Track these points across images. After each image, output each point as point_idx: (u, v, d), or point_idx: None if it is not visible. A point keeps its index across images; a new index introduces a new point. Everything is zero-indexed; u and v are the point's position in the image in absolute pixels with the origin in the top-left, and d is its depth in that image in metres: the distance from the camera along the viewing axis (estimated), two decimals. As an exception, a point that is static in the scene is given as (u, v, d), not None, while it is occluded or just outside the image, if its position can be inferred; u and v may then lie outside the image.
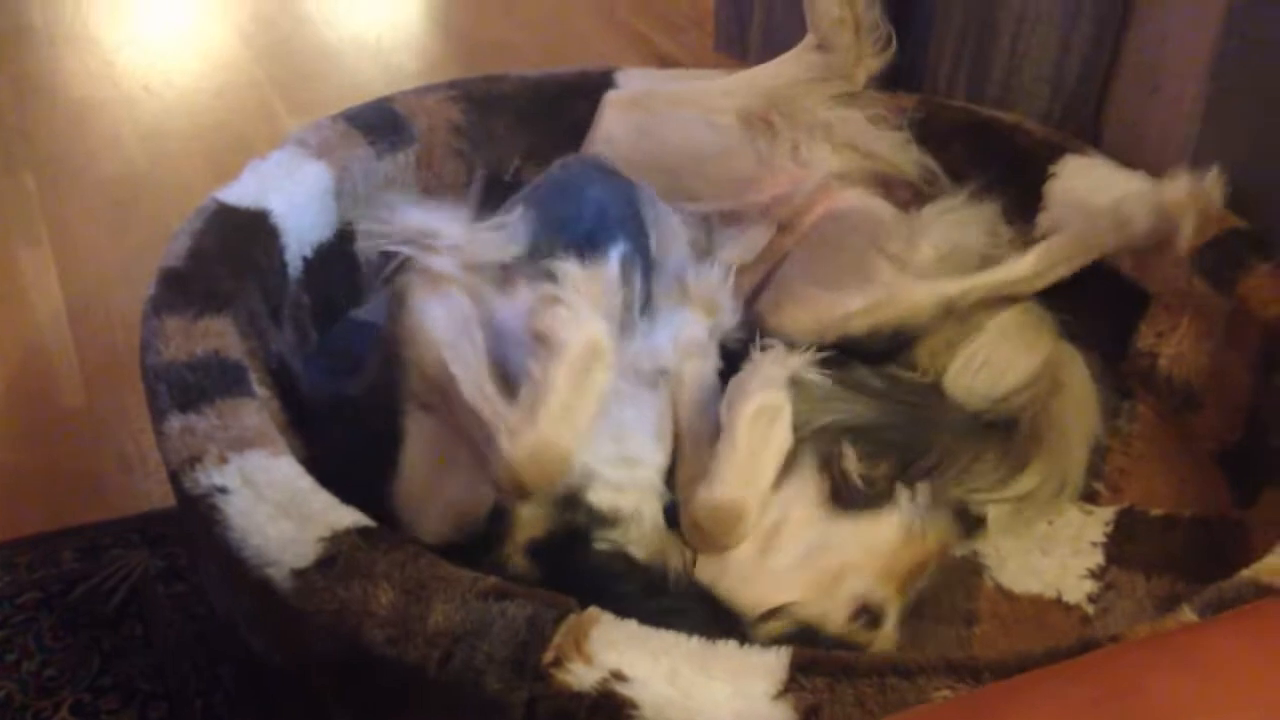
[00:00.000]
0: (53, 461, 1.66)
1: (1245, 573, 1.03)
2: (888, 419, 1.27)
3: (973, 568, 1.27)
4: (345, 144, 1.58)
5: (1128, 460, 1.40)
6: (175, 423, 1.14)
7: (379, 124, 1.63)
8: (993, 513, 1.25)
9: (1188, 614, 0.98)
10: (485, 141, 1.70)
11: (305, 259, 1.48)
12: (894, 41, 1.58)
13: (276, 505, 1.03)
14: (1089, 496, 1.35)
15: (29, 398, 1.77)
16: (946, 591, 1.23)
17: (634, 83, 1.69)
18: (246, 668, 1.31)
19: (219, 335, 1.24)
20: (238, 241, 1.40)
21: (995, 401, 1.32)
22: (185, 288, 1.31)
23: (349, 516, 1.04)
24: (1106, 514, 1.34)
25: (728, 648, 0.92)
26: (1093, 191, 1.47)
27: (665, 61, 2.49)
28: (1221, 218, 1.40)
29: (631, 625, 0.93)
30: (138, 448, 1.69)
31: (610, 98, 1.62)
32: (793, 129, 1.53)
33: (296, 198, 1.48)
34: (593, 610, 0.94)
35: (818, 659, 0.91)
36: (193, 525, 1.12)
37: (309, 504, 1.04)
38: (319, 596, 0.97)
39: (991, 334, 1.35)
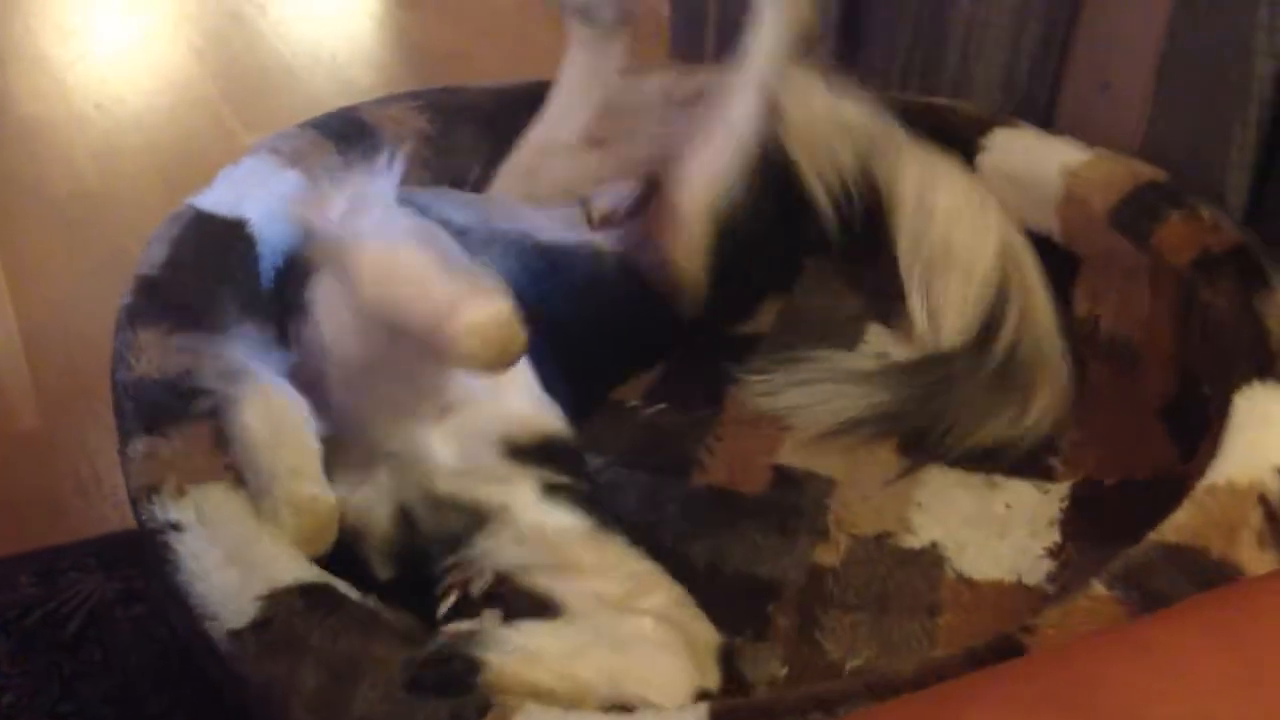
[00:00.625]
0: (7, 485, 1.64)
1: (1151, 535, 1.03)
2: (900, 398, 1.39)
3: (932, 559, 1.27)
4: (316, 152, 1.57)
5: (1081, 432, 1.39)
6: (139, 445, 1.13)
7: (348, 133, 1.62)
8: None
9: (1098, 588, 0.97)
10: (450, 150, 1.69)
11: (276, 268, 1.46)
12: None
13: (226, 551, 1.02)
14: (1045, 473, 1.35)
15: (-17, 422, 1.75)
16: (908, 584, 1.23)
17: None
18: (207, 690, 1.30)
19: (193, 354, 1.22)
20: (215, 250, 1.38)
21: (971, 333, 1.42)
22: (160, 298, 1.29)
23: (292, 571, 1.02)
24: (1062, 490, 1.34)
25: (647, 716, 0.92)
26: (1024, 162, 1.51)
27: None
28: (1137, 173, 1.43)
29: (554, 713, 0.91)
30: (94, 470, 1.67)
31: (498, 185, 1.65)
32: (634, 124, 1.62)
33: (271, 205, 1.47)
34: (513, 703, 0.91)
35: (736, 708, 0.91)
36: (149, 556, 1.11)
37: (256, 552, 1.02)
38: (250, 664, 0.96)
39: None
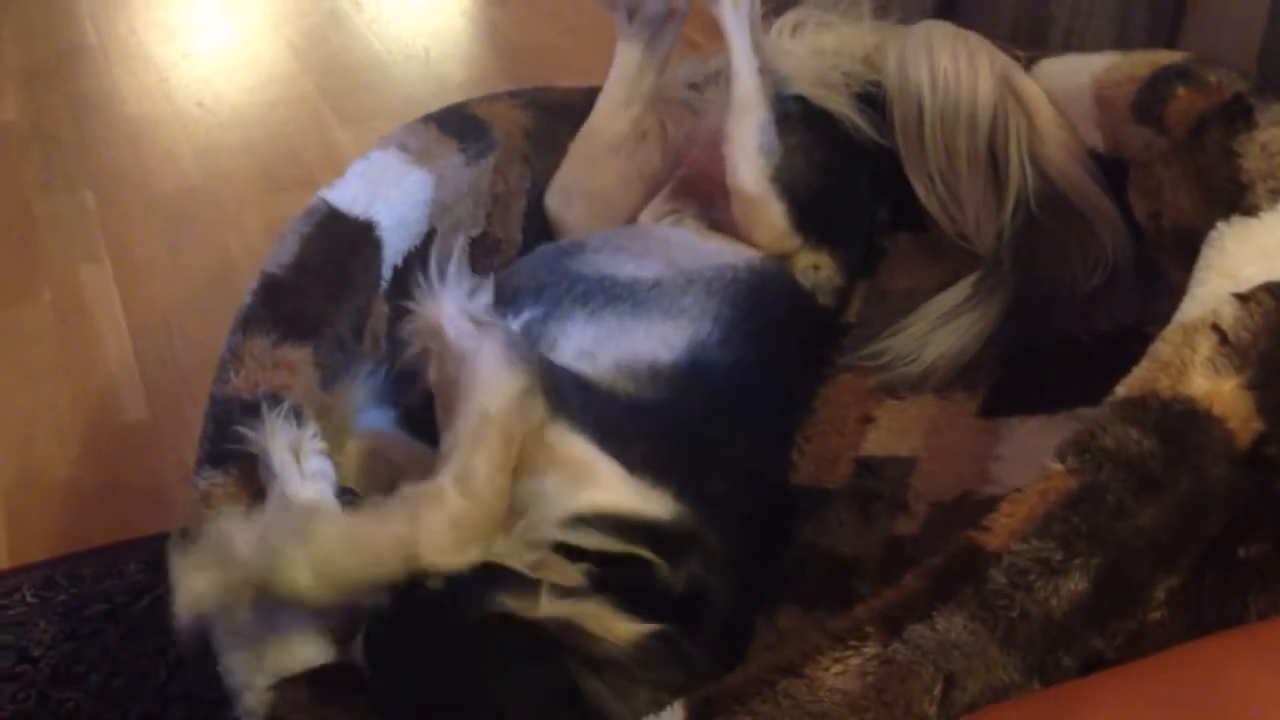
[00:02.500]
0: (117, 475, 1.70)
1: (1108, 398, 0.98)
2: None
3: None
4: (441, 150, 1.59)
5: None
6: (203, 480, 1.14)
7: (466, 130, 1.64)
8: None
9: (1051, 465, 0.93)
10: (548, 147, 1.71)
11: (395, 268, 1.49)
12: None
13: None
14: None
15: (93, 414, 1.81)
16: None
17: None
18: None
19: (291, 371, 1.23)
20: (342, 256, 1.40)
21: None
22: (278, 303, 1.30)
23: (302, 653, 1.02)
24: None
25: None
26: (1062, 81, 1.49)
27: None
28: (1156, 60, 1.38)
29: None
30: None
31: (548, 202, 1.68)
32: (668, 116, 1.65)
33: (401, 207, 1.49)
34: None
35: (709, 698, 0.88)
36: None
37: (274, 628, 1.02)
38: None
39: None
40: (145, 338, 1.94)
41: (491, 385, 1.06)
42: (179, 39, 2.94)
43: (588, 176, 1.67)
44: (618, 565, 1.04)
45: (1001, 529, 0.91)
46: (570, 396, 1.11)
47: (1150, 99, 1.35)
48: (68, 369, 1.89)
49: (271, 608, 1.00)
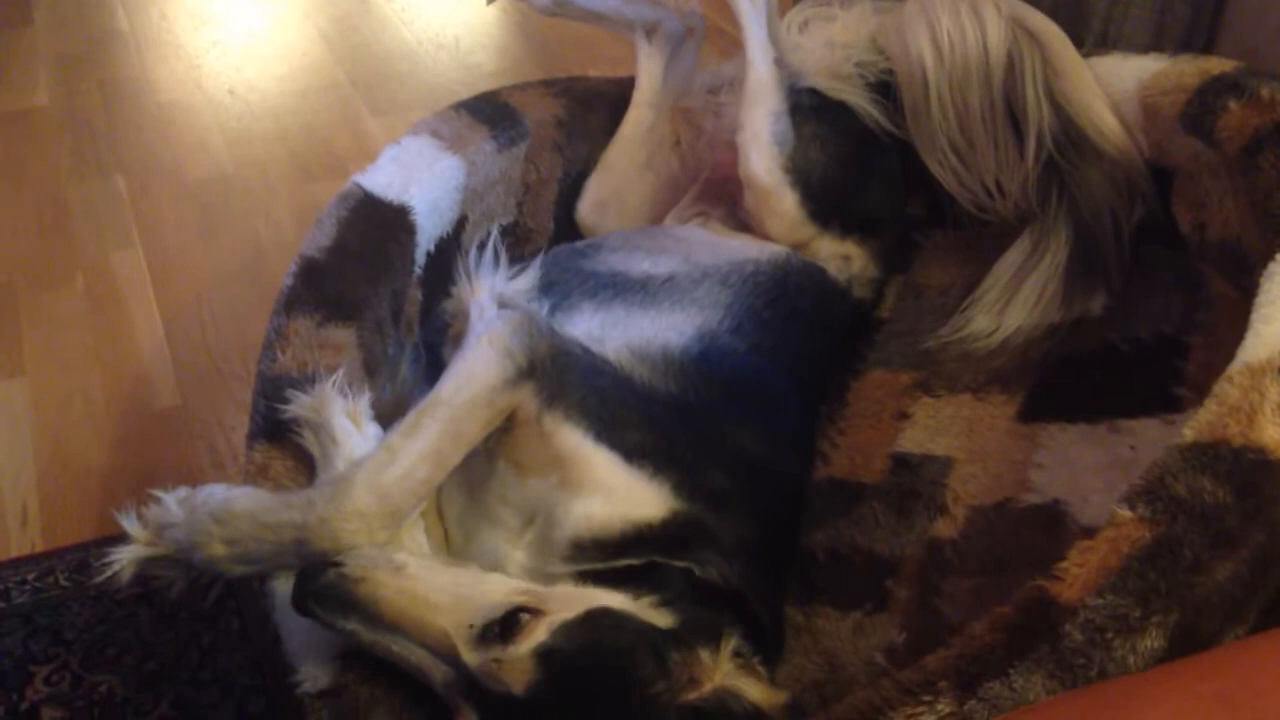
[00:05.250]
0: (149, 461, 1.71)
1: (1172, 441, 0.95)
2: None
3: (1053, 515, 1.23)
4: (473, 137, 1.59)
5: (1210, 353, 1.32)
6: (258, 453, 1.16)
7: (498, 117, 1.65)
8: None
9: (1120, 514, 0.91)
10: (580, 136, 1.71)
11: (429, 254, 1.50)
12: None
13: None
14: (1170, 404, 1.28)
15: (126, 400, 1.82)
16: (1030, 543, 1.20)
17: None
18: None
19: (336, 351, 1.24)
20: (379, 239, 1.41)
21: None
22: (320, 285, 1.31)
23: None
24: (1189, 419, 1.26)
25: None
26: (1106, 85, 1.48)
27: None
28: (1205, 69, 1.36)
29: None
30: (229, 445, 1.72)
31: (581, 214, 1.70)
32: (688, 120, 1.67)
33: (434, 193, 1.50)
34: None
35: None
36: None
37: None
38: None
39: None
40: (177, 324, 1.95)
41: (469, 372, 1.09)
42: (210, 26, 2.95)
43: (621, 187, 1.68)
44: (651, 573, 1.06)
45: (1074, 580, 0.88)
46: (574, 385, 1.11)
47: (1200, 111, 1.33)
48: (100, 355, 1.90)
49: None
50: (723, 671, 0.97)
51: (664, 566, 1.06)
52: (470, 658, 0.95)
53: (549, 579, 1.07)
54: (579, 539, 1.07)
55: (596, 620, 0.97)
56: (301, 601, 0.98)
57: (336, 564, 0.99)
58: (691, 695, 0.95)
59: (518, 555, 1.11)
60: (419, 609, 0.97)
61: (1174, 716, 0.55)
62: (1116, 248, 1.43)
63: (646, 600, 1.02)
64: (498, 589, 1.00)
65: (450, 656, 0.96)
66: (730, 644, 0.99)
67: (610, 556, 1.07)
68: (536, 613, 0.96)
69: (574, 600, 1.00)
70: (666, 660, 0.96)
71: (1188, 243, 1.40)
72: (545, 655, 0.93)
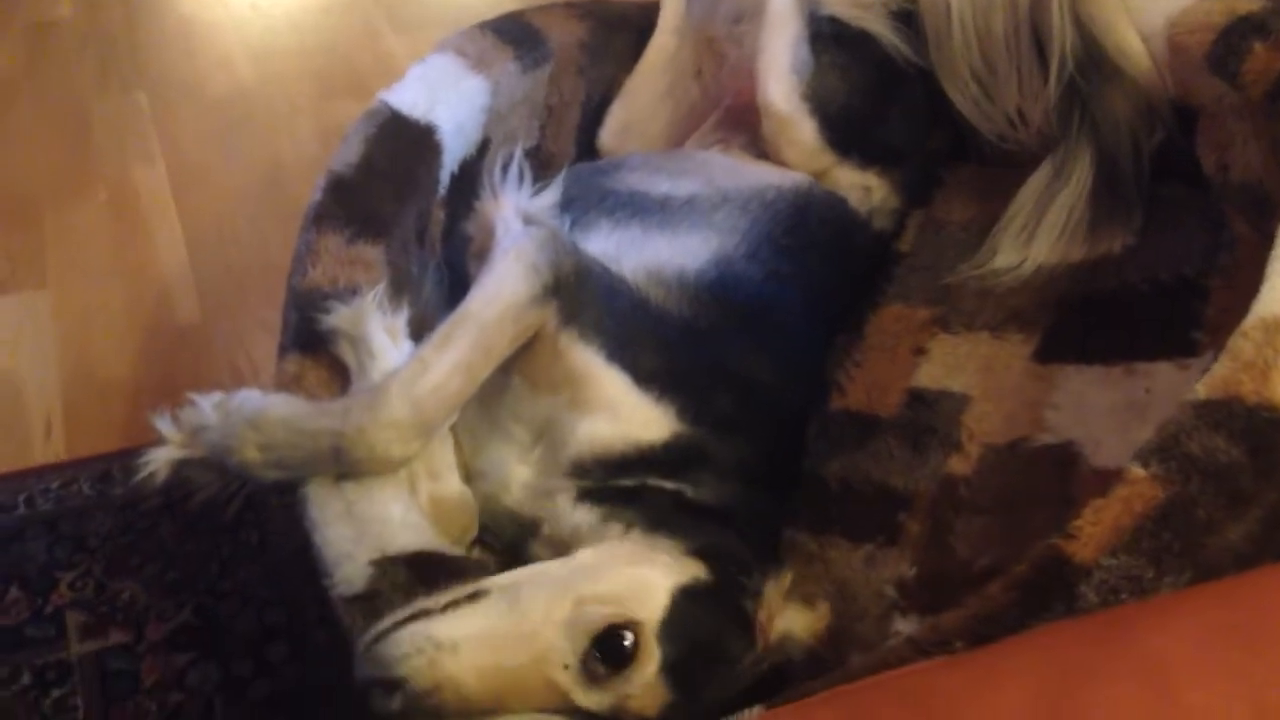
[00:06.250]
0: (170, 374, 1.72)
1: (1185, 397, 0.94)
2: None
3: (1066, 456, 1.23)
4: (498, 57, 1.58)
5: (1230, 296, 1.30)
6: (290, 364, 1.17)
7: (522, 38, 1.63)
8: None
9: (1134, 471, 0.90)
10: (604, 59, 1.70)
11: (453, 175, 1.49)
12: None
13: (346, 503, 1.06)
14: (1186, 348, 1.28)
15: (148, 314, 1.83)
16: (1041, 484, 1.21)
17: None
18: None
19: (366, 268, 1.24)
20: (406, 158, 1.40)
21: None
22: (349, 201, 1.31)
23: (404, 536, 1.05)
24: (1205, 363, 1.17)
25: None
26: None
27: None
28: (1233, 8, 1.34)
29: None
30: (250, 360, 1.74)
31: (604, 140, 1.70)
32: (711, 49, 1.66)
33: (460, 113, 1.49)
34: None
35: (786, 701, 0.87)
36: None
37: (371, 508, 1.06)
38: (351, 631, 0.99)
39: None
40: (198, 240, 1.96)
41: (497, 287, 1.09)
42: (233, -60, 2.92)
43: (643, 114, 1.67)
44: (641, 495, 1.07)
45: (1088, 539, 0.88)
46: (591, 305, 1.12)
47: (1225, 51, 1.31)
48: (122, 269, 1.91)
49: (375, 492, 1.06)
50: (778, 612, 0.98)
51: (655, 488, 1.08)
52: (590, 700, 0.90)
53: (549, 494, 1.09)
54: (581, 458, 1.09)
55: (684, 610, 0.95)
56: None
57: (391, 684, 0.88)
58: (765, 655, 0.97)
59: (523, 471, 1.13)
60: (509, 675, 0.90)
61: (1181, 644, 0.56)
62: (1136, 172, 1.42)
63: (679, 547, 1.02)
64: (553, 604, 0.93)
65: (564, 705, 0.90)
66: (785, 582, 1.00)
67: (610, 476, 1.09)
68: (626, 624, 0.92)
69: (627, 584, 0.96)
70: (750, 624, 0.97)
71: (1211, 184, 1.39)
72: (671, 671, 0.91)
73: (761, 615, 0.98)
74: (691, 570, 0.99)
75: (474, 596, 0.95)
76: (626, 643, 0.90)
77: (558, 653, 0.91)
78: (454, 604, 0.93)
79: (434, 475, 1.12)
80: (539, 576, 0.98)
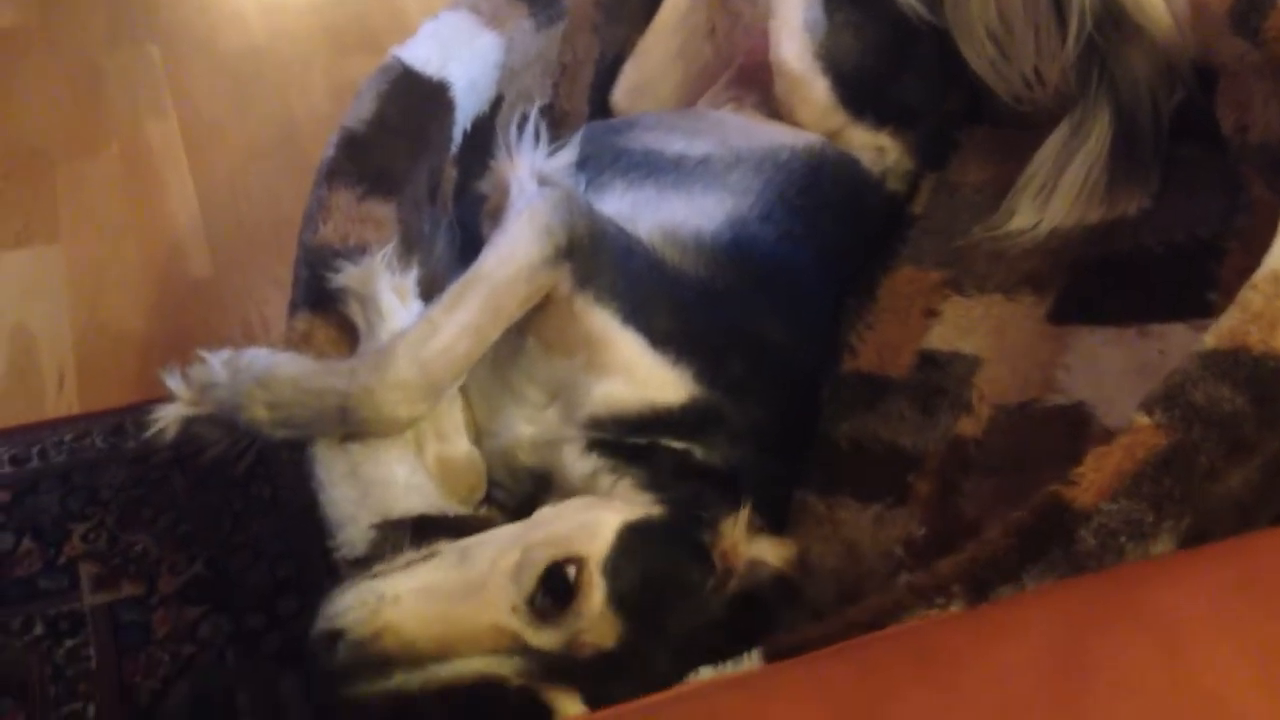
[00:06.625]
0: (182, 329, 1.73)
1: (1193, 348, 0.95)
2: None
3: (1077, 417, 1.23)
4: (512, 14, 1.57)
5: (1246, 258, 1.24)
6: (300, 322, 1.17)
7: None
8: None
9: (1138, 419, 0.90)
10: (618, 17, 1.69)
11: (465, 132, 1.49)
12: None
13: (351, 464, 1.06)
14: (1201, 309, 1.26)
15: (160, 268, 1.83)
16: (1051, 443, 1.20)
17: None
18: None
19: (377, 225, 1.24)
20: (419, 115, 1.40)
21: None
22: (362, 157, 1.31)
23: (407, 499, 1.06)
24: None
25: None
26: None
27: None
28: None
29: None
30: (261, 316, 1.75)
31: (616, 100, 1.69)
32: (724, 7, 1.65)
33: (473, 70, 1.48)
34: None
35: (787, 647, 0.87)
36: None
37: (376, 470, 1.06)
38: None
39: None
40: (210, 195, 1.96)
41: (510, 248, 1.09)
42: (245, -107, 2.89)
43: (656, 73, 1.66)
44: (650, 454, 1.08)
45: (1089, 485, 0.88)
46: (606, 266, 1.12)
47: (1247, 9, 1.30)
48: (135, 222, 1.91)
49: (381, 453, 1.06)
50: (742, 541, 0.98)
51: (665, 448, 1.09)
52: (542, 639, 0.91)
53: (555, 446, 1.09)
54: (597, 416, 1.10)
55: (629, 543, 0.96)
56: (331, 691, 0.89)
57: (334, 635, 0.89)
58: (732, 582, 0.97)
59: (534, 430, 1.13)
60: (454, 622, 0.90)
61: (1191, 600, 0.56)
62: (1155, 132, 1.40)
63: (625, 484, 1.04)
64: (501, 555, 0.95)
65: (516, 646, 0.91)
66: (744, 513, 1.00)
67: (624, 434, 1.09)
68: (568, 560, 0.92)
69: (575, 527, 0.97)
70: (708, 555, 0.97)
71: (1229, 144, 1.38)
72: (620, 600, 0.92)
73: (723, 544, 0.98)
74: (643, 510, 1.01)
75: (428, 556, 0.96)
76: (570, 577, 0.91)
77: (505, 597, 0.92)
78: (409, 564, 0.95)
79: (441, 436, 1.12)
80: (492, 535, 0.99)
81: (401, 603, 0.90)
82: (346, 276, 1.15)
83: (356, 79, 1.44)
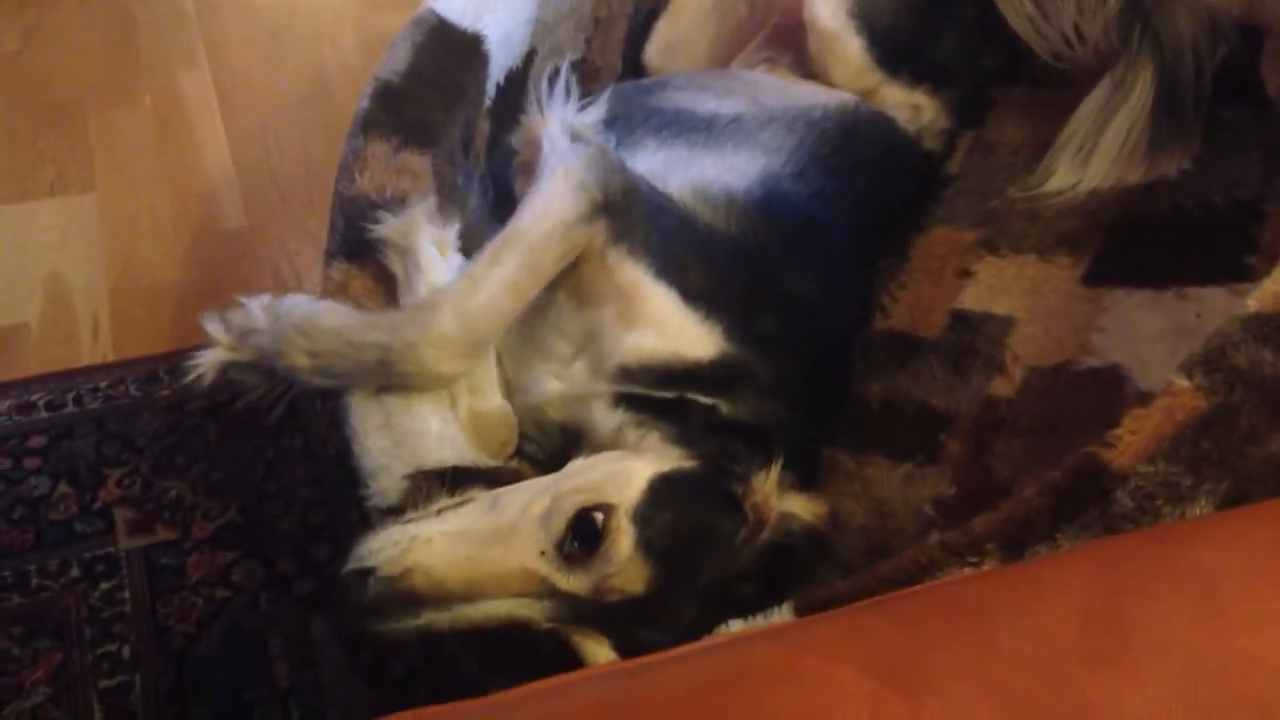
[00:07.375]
0: (215, 279, 1.74)
1: (1234, 310, 0.93)
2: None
3: (1112, 379, 1.21)
4: None
5: None
6: (337, 271, 1.17)
7: None
8: None
9: (1178, 382, 0.89)
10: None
11: (498, 85, 1.48)
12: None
13: (385, 414, 1.07)
14: (1240, 273, 1.25)
15: (193, 219, 1.84)
16: (1085, 405, 1.20)
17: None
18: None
19: (414, 177, 1.23)
20: (454, 67, 1.39)
21: None
22: (397, 109, 1.30)
23: (440, 450, 1.06)
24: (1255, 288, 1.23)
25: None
26: None
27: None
28: None
29: None
30: (293, 267, 1.75)
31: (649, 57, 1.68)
32: None
33: (507, 23, 1.47)
34: None
35: (818, 602, 0.86)
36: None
37: (410, 422, 1.07)
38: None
39: None
40: (243, 146, 1.96)
41: (546, 205, 1.09)
42: None
43: (689, 31, 1.65)
44: (678, 409, 1.08)
45: (1126, 447, 0.87)
46: (639, 222, 1.12)
47: None
48: (168, 173, 1.92)
49: (415, 405, 1.07)
50: (774, 494, 0.98)
51: (692, 402, 1.09)
52: (570, 583, 0.91)
53: (584, 401, 1.10)
54: (626, 365, 1.10)
55: (660, 492, 0.96)
56: (361, 625, 0.91)
57: (364, 572, 0.90)
58: (763, 534, 0.97)
59: (559, 387, 1.13)
60: (482, 564, 0.91)
61: (1230, 558, 0.56)
62: (1197, 91, 1.38)
63: (653, 438, 1.05)
64: (532, 501, 0.96)
65: (545, 590, 0.91)
66: (775, 467, 1.00)
67: (652, 386, 1.09)
68: (597, 507, 0.93)
69: (606, 475, 0.98)
70: (739, 506, 0.97)
71: (1273, 105, 1.36)
72: (649, 546, 0.92)
73: (755, 496, 0.98)
74: (674, 462, 1.01)
75: (461, 503, 0.97)
76: (598, 523, 0.92)
77: (534, 542, 0.92)
78: (442, 510, 0.96)
79: (475, 391, 1.12)
80: (525, 485, 1.00)
81: (433, 544, 0.92)
82: (387, 227, 1.15)
83: (387, 32, 1.44)
